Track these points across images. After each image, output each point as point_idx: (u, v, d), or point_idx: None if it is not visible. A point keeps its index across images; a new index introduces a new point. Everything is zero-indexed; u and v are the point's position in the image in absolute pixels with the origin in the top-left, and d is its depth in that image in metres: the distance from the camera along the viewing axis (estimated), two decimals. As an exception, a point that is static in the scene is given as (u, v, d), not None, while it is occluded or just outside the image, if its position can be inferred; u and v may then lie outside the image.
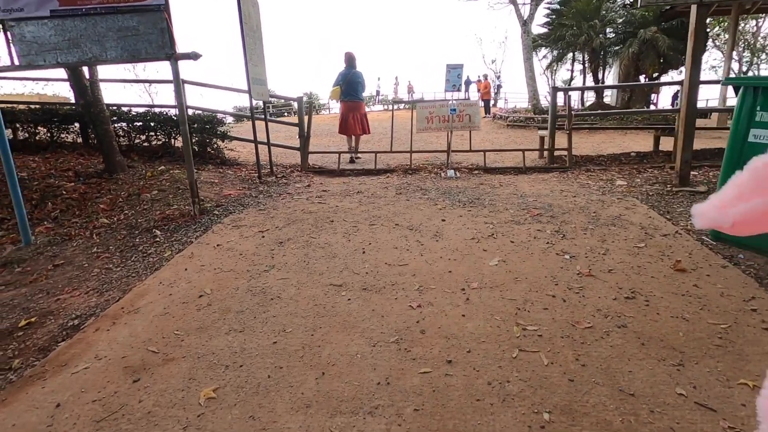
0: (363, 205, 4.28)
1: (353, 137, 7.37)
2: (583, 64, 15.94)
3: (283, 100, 24.92)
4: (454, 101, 5.70)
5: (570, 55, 17.07)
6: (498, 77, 25.49)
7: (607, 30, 14.12)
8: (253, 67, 5.04)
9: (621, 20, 13.75)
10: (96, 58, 3.72)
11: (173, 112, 6.41)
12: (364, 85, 7.33)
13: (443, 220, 3.66)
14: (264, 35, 5.40)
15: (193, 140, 6.21)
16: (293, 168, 6.36)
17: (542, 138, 6.68)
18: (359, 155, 7.46)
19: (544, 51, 17.51)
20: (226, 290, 2.60)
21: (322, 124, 15.23)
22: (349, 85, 6.91)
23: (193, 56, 3.71)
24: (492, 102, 20.35)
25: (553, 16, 15.88)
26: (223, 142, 6.32)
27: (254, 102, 5.43)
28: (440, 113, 6.00)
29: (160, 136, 6.19)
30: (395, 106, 9.00)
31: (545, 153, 6.55)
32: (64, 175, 4.97)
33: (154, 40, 3.66)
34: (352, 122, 7.17)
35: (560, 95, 7.07)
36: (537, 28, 15.65)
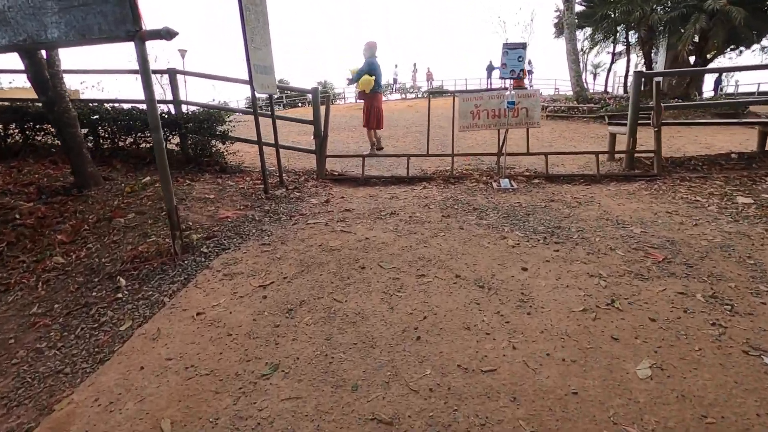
0: (402, 236, 3.16)
1: (375, 131, 6.82)
2: (627, 45, 14.29)
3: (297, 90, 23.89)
4: (511, 92, 4.49)
5: (603, 36, 15.44)
6: (529, 62, 23.84)
7: (658, 6, 12.40)
8: (255, 52, 3.93)
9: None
10: (32, 38, 2.66)
11: (166, 108, 5.38)
12: None
13: (524, 269, 2.53)
14: (271, 15, 4.27)
15: (189, 143, 5.17)
16: (307, 175, 5.27)
17: (613, 136, 5.41)
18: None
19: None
20: (196, 424, 1.53)
21: (338, 116, 14.09)
22: (377, 77, 6.36)
23: (165, 34, 2.62)
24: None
25: (594, -7, 14.23)
26: (224, 144, 5.26)
27: (259, 95, 4.34)
28: (489, 106, 4.81)
29: (149, 138, 5.16)
30: (420, 95, 7.93)
31: (617, 155, 5.32)
32: (24, 191, 3.98)
33: (111, 12, 2.58)
34: (377, 116, 6.60)
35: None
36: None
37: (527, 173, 4.94)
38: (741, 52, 13.91)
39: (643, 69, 13.45)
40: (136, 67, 2.80)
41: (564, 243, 2.88)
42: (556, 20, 20.90)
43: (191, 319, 2.21)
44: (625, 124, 5.03)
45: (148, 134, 5.16)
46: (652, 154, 4.71)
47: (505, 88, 4.74)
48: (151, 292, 2.55)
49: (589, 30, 16.04)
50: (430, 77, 28.47)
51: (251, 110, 4.59)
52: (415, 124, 11.29)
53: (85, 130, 5.19)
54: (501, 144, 4.85)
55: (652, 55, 15.05)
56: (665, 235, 2.93)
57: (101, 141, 5.27)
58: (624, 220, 3.27)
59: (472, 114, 4.86)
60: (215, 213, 3.77)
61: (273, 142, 4.65)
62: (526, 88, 8.62)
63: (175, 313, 2.28)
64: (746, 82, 22.81)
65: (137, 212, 3.64)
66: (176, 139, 5.27)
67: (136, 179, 4.34)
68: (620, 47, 15.86)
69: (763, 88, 18.87)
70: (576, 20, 12.48)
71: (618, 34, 13.73)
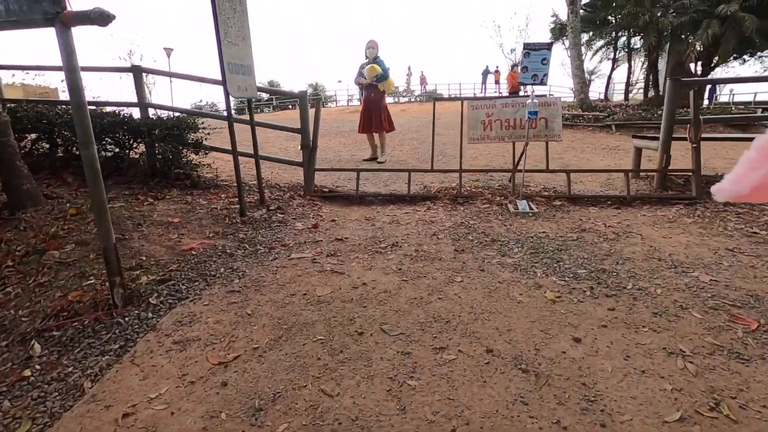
0: (408, 280, 2.52)
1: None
2: (629, 51, 13.87)
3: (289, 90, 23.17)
4: (533, 101, 3.88)
5: (605, 42, 15.02)
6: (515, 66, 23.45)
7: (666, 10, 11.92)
8: (229, 47, 3.27)
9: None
10: None
11: (129, 111, 4.66)
12: None
13: (576, 340, 1.89)
14: (255, 11, 3.61)
15: (156, 152, 4.46)
16: (293, 191, 4.59)
17: (638, 150, 4.85)
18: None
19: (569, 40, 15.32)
20: None
21: (329, 120, 13.43)
22: None
23: (97, 17, 1.94)
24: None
25: (595, -3, 13.77)
26: (197, 155, 4.57)
27: (234, 98, 3.67)
28: (503, 116, 4.21)
29: (108, 147, 4.45)
30: (414, 99, 7.48)
31: (643, 173, 4.76)
32: (-57, 213, 3.25)
33: (21, -14, 1.90)
34: (389, 117, 6.61)
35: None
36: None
37: (546, 193, 4.33)
38: (744, 60, 13.61)
39: (642, 76, 13.04)
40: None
41: (618, 296, 2.26)
42: (552, 25, 20.55)
43: (113, 425, 1.53)
44: (654, 138, 4.47)
45: (108, 143, 4.45)
46: (686, 173, 4.15)
47: (527, 95, 4.13)
48: (70, 369, 1.86)
49: (586, 36, 15.64)
50: (423, 81, 28.01)
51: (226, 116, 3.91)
52: (411, 130, 10.67)
53: (32, 136, 4.49)
54: (518, 159, 4.24)
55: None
56: (742, 285, 2.33)
57: (57, 148, 4.54)
58: (681, 261, 2.67)
59: (483, 124, 4.25)
60: (177, 243, 3.08)
61: (252, 152, 3.98)
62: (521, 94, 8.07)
63: (93, 413, 1.59)
64: (741, 92, 22.67)
65: (78, 242, 2.93)
66: (142, 148, 4.57)
67: (86, 197, 3.62)
68: (620, 53, 15.46)
69: (760, 98, 18.65)
70: (560, 28, 12.01)
71: (619, 40, 13.27)
